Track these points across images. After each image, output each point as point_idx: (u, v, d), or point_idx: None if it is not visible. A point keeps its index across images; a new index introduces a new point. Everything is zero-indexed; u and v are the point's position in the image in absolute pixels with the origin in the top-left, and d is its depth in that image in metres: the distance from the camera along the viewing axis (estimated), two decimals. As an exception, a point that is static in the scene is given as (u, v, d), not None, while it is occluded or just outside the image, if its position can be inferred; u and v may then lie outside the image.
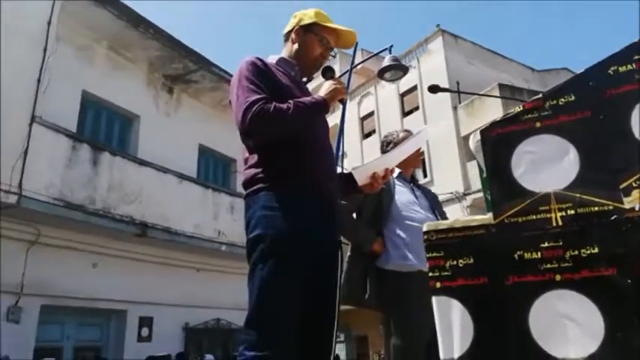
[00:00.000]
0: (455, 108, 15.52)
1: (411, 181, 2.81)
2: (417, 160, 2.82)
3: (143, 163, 8.36)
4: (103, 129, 8.91)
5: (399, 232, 2.51)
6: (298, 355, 1.61)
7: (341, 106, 1.95)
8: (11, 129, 6.38)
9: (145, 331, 8.43)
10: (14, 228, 6.76)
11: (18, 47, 6.71)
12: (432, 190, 3.05)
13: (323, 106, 1.76)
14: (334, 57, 1.99)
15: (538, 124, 1.39)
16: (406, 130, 2.96)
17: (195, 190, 9.27)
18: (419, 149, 2.65)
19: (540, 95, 1.41)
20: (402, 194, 2.65)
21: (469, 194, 14.02)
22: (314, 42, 1.91)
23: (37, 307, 6.98)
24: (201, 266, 9.45)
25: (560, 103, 1.38)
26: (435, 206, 2.74)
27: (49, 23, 7.19)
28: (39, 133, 6.73)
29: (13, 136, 6.38)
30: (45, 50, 7.04)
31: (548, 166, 1.36)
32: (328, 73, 1.90)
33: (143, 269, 8.36)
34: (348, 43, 2.00)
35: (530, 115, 1.40)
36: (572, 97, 1.37)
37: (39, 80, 6.86)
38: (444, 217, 2.76)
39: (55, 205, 6.76)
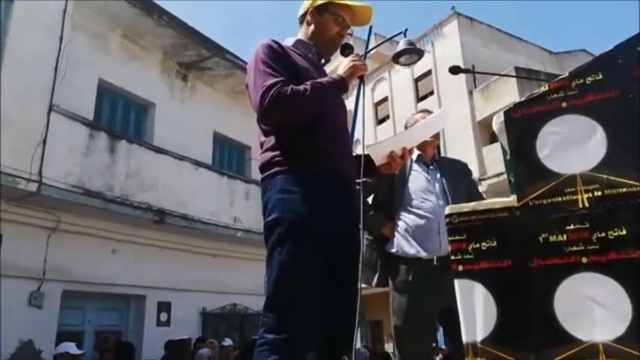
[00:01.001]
0: (470, 92, 15.32)
1: (432, 162, 2.69)
2: (434, 139, 2.68)
3: (159, 150, 8.41)
4: (120, 117, 8.96)
5: (405, 219, 2.54)
6: (318, 338, 1.62)
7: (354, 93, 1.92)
8: (30, 118, 6.47)
9: (163, 316, 8.57)
10: (35, 215, 6.87)
11: (35, 36, 6.76)
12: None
13: (342, 85, 1.73)
14: (351, 35, 1.96)
15: (564, 104, 1.36)
16: (423, 111, 2.88)
17: (210, 177, 9.32)
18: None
19: (566, 74, 1.38)
20: (416, 180, 2.62)
21: (485, 179, 13.88)
22: (330, 22, 1.89)
23: (59, 292, 7.11)
24: (218, 252, 9.54)
25: (588, 82, 1.34)
26: (458, 181, 2.64)
27: (64, 12, 7.22)
28: (57, 121, 6.78)
29: (32, 125, 6.47)
30: (61, 39, 7.08)
31: (574, 146, 1.33)
32: (347, 51, 1.87)
33: (161, 255, 8.47)
34: (363, 18, 1.96)
35: (555, 95, 1.37)
36: (600, 76, 1.34)
37: (56, 69, 6.92)
38: (471, 187, 2.69)
39: (74, 192, 6.86)
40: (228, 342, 7.82)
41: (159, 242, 8.46)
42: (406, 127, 2.75)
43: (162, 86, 9.46)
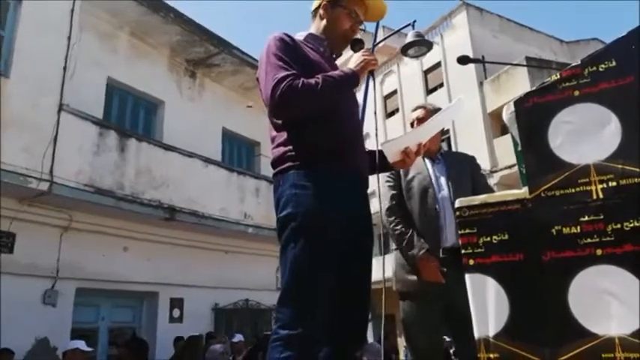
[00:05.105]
0: (481, 84, 15.17)
1: (437, 156, 2.65)
2: (436, 138, 2.60)
3: (169, 148, 8.43)
4: (129, 115, 8.99)
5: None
6: (332, 333, 1.61)
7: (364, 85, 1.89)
8: (40, 117, 6.51)
9: (176, 312, 8.64)
10: (47, 214, 6.94)
11: (43, 36, 6.79)
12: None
13: (353, 79, 1.71)
14: (364, 31, 1.93)
15: (576, 93, 1.32)
16: (419, 107, 2.79)
17: (220, 174, 9.33)
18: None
19: (579, 62, 1.34)
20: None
21: (496, 172, 13.77)
22: (342, 16, 1.86)
23: (73, 290, 7.18)
24: (229, 248, 9.57)
25: (601, 69, 1.30)
26: (462, 175, 2.59)
27: (72, 11, 7.25)
28: (67, 120, 6.82)
29: (42, 124, 6.51)
30: (69, 39, 7.12)
31: (587, 136, 1.29)
32: (357, 46, 1.84)
33: (173, 252, 8.51)
34: (376, 15, 1.94)
35: (567, 84, 1.33)
36: (613, 63, 1.30)
37: (65, 68, 6.95)
38: (477, 181, 2.64)
39: (86, 191, 6.90)
40: (238, 337, 7.85)
41: (170, 239, 8.51)
42: (412, 125, 2.70)
43: (171, 84, 9.49)
